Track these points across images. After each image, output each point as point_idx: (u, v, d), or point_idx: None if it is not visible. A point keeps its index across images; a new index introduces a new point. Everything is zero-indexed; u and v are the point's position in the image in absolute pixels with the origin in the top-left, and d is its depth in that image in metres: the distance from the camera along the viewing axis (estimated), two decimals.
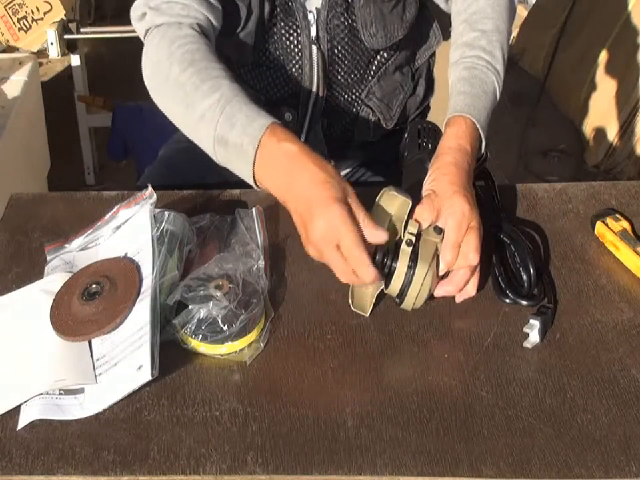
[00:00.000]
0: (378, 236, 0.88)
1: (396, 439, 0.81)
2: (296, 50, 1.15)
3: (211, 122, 0.95)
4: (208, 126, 0.96)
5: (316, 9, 1.13)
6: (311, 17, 1.13)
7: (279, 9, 1.13)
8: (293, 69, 1.17)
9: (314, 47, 1.15)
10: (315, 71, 1.17)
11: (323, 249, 0.87)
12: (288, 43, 1.15)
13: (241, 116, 0.94)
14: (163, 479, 0.78)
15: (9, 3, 2.26)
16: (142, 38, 1.08)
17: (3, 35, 2.28)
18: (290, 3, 1.12)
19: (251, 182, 0.94)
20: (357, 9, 1.12)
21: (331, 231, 0.86)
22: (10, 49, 2.29)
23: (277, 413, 0.84)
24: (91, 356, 0.88)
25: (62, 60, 2.54)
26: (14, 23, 2.27)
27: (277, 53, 1.16)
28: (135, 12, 1.08)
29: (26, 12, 2.27)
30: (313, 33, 1.14)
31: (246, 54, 1.16)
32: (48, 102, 2.34)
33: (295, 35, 1.14)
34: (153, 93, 1.04)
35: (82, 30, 2.40)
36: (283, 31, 1.14)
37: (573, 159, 2.52)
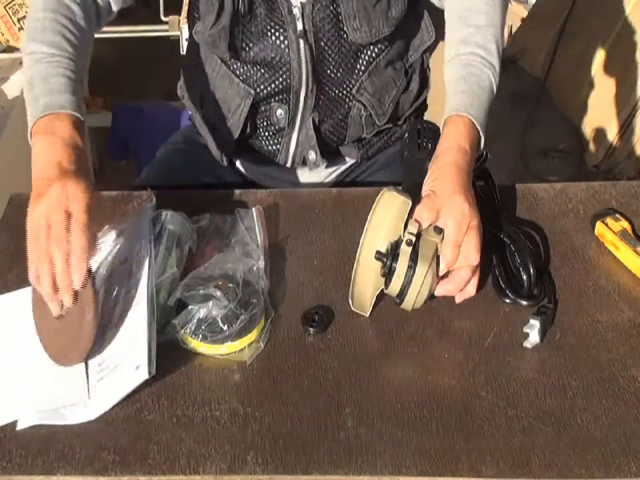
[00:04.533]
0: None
1: (396, 438, 0.81)
2: (282, 45, 1.15)
3: (35, 64, 1.01)
4: (35, 64, 1.02)
5: (301, 3, 1.13)
6: (296, 11, 1.13)
7: (262, 7, 1.12)
8: (281, 64, 1.17)
9: (301, 41, 1.15)
10: (304, 65, 1.16)
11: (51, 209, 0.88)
12: (274, 38, 1.15)
13: (60, 79, 0.99)
14: (162, 479, 0.78)
15: (8, 3, 2.25)
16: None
17: (3, 35, 2.28)
18: None
19: (28, 134, 0.99)
20: (341, 1, 1.12)
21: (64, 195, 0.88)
22: (10, 49, 2.28)
23: (276, 413, 0.84)
24: (86, 370, 0.88)
25: None
26: (14, 23, 2.27)
27: (265, 48, 1.16)
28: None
29: (26, 12, 2.26)
30: (300, 27, 1.14)
31: (221, 48, 1.16)
32: None
33: (282, 30, 1.14)
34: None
35: None
36: (268, 27, 1.14)
37: (573, 159, 2.52)
